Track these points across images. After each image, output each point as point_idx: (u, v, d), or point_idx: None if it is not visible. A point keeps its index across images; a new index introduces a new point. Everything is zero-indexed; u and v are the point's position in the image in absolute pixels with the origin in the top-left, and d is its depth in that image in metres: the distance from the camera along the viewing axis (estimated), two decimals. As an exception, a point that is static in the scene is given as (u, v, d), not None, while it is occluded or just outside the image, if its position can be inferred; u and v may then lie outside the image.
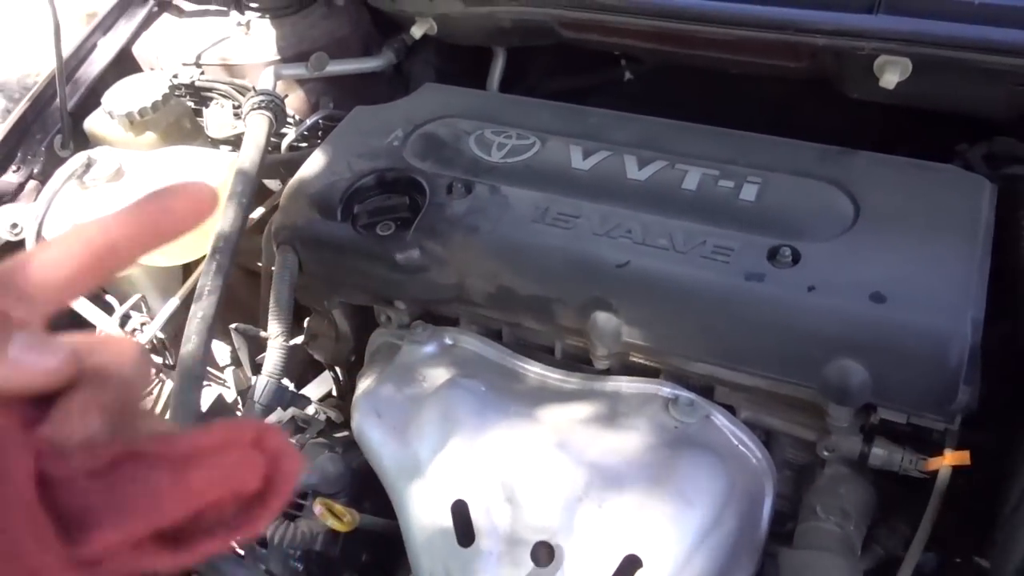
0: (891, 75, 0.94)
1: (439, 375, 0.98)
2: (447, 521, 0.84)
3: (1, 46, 2.81)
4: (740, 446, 0.92)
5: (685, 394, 0.93)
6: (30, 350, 0.28)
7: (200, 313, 0.99)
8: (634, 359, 0.97)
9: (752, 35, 0.97)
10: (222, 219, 1.04)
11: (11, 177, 1.18)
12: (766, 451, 0.93)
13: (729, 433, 0.92)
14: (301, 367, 1.30)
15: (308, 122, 1.25)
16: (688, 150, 1.04)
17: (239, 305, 1.26)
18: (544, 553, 0.80)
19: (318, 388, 1.26)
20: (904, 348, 0.82)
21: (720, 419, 0.92)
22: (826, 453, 0.92)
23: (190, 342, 0.98)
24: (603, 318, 0.93)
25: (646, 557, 0.78)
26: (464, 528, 0.83)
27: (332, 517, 0.89)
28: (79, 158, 1.11)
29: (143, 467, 0.28)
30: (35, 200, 1.15)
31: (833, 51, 0.96)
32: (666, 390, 0.94)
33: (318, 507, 0.90)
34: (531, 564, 0.80)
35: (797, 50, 1.01)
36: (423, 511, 0.86)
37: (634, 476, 0.84)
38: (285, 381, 1.17)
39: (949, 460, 0.87)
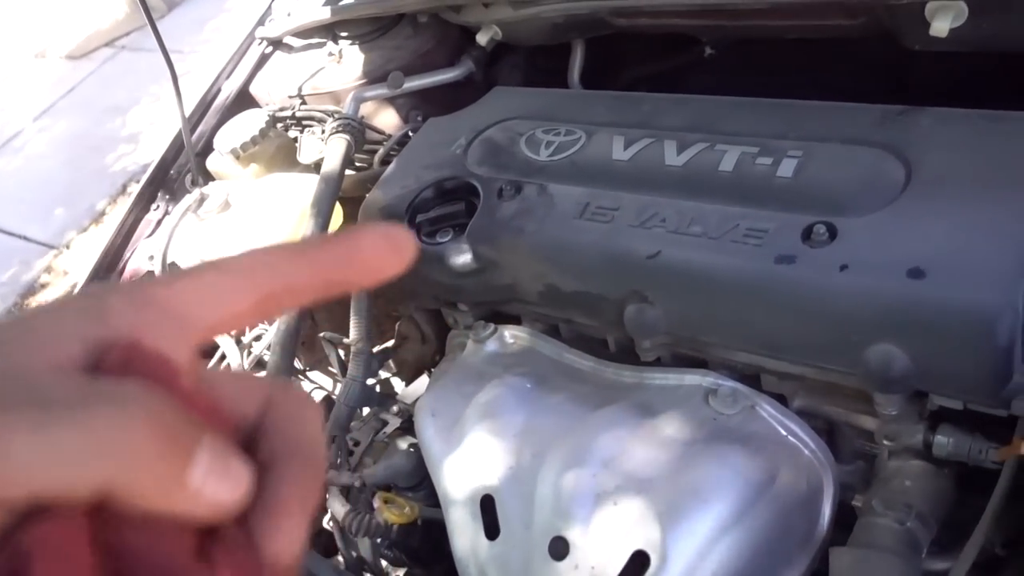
0: (941, 22, 0.84)
1: (495, 372, 1.02)
2: (476, 514, 0.88)
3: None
4: (790, 437, 0.87)
5: (727, 384, 0.90)
6: (214, 475, 0.22)
7: (283, 326, 1.10)
8: (682, 350, 0.95)
9: None
10: (302, 236, 1.15)
11: (152, 215, 1.36)
12: (822, 442, 0.87)
13: (777, 424, 0.88)
14: (412, 369, 1.38)
15: (395, 137, 1.33)
16: (736, 128, 0.99)
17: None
18: (561, 547, 0.81)
19: (420, 388, 1.34)
20: (946, 327, 0.74)
21: (767, 409, 0.88)
22: (887, 442, 0.85)
23: (275, 353, 1.09)
24: (638, 310, 0.92)
25: (654, 553, 0.77)
26: (491, 521, 0.86)
27: (388, 510, 0.96)
28: (194, 194, 1.26)
29: None
30: (165, 233, 1.32)
31: (879, 3, 0.87)
32: (709, 380, 0.91)
33: (377, 500, 0.97)
34: (548, 557, 0.81)
35: (848, 7, 0.93)
36: (459, 505, 0.90)
37: (655, 472, 0.83)
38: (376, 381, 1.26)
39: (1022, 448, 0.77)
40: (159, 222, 1.35)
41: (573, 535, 0.81)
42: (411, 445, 1.13)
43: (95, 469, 0.21)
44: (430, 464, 0.97)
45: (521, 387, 0.97)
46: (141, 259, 1.30)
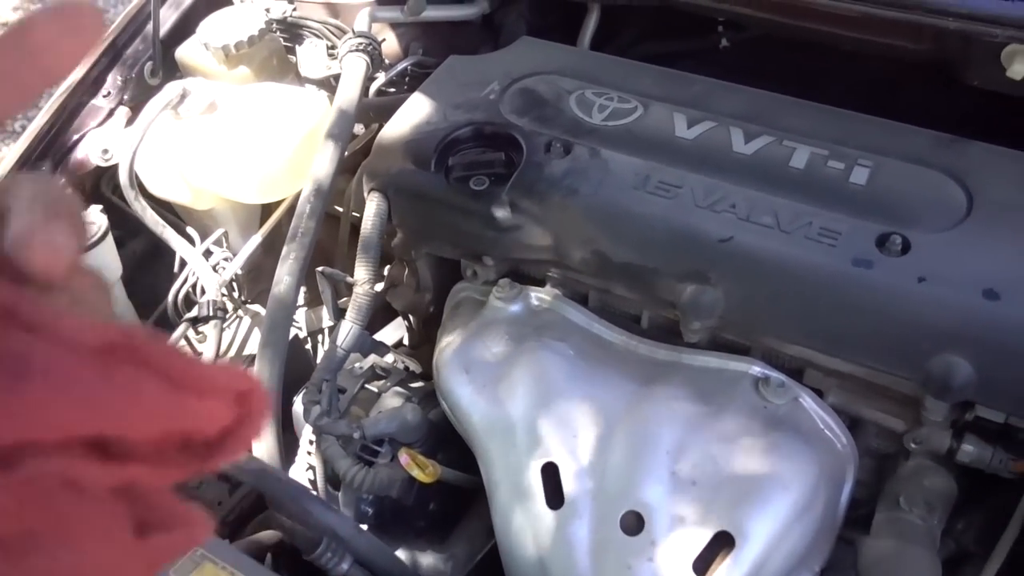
0: (1021, 65, 0.90)
1: (525, 335, 0.98)
2: (536, 482, 0.84)
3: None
4: (826, 430, 0.91)
5: (776, 375, 0.92)
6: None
7: (293, 254, 1.00)
8: (725, 335, 0.97)
9: (876, 12, 0.94)
10: (317, 162, 1.04)
11: (101, 102, 1.17)
12: (851, 437, 0.92)
13: (816, 417, 0.91)
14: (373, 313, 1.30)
15: (398, 67, 1.24)
16: (796, 126, 1.01)
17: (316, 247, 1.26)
18: (634, 522, 0.80)
19: (390, 335, 1.26)
20: (1015, 347, 0.81)
21: (808, 402, 0.92)
22: (913, 445, 0.91)
23: (282, 283, 0.99)
24: (698, 291, 0.92)
25: (739, 536, 0.78)
26: (554, 490, 0.83)
27: (416, 468, 0.90)
28: (174, 88, 1.10)
29: (134, 365, 0.23)
30: (125, 127, 1.15)
31: (961, 36, 0.92)
32: (756, 369, 0.93)
33: (404, 457, 0.91)
34: (620, 531, 0.80)
35: (920, 31, 0.98)
36: (512, 471, 0.86)
37: (728, 455, 0.83)
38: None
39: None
40: (111, 112, 1.17)
41: (648, 511, 0.80)
42: (408, 399, 1.06)
43: None
44: (470, 426, 0.92)
45: (565, 353, 0.94)
46: (92, 151, 1.12)
